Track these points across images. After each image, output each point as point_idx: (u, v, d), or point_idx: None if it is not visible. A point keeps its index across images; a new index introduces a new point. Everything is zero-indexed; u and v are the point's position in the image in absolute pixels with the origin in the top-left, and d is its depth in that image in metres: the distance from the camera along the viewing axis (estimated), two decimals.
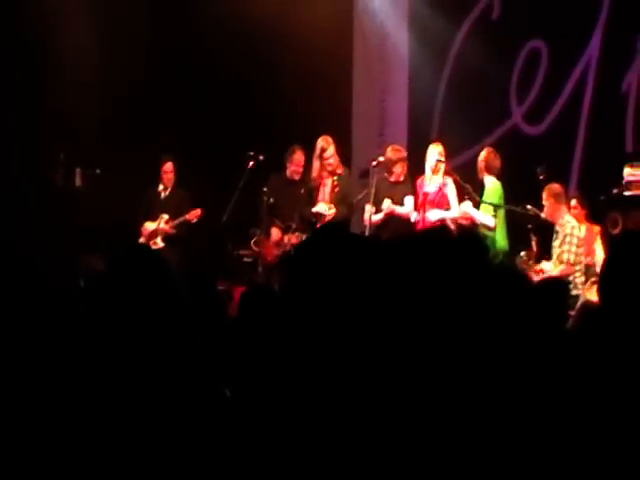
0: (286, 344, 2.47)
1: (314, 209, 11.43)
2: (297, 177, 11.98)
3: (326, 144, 11.52)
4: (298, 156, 11.99)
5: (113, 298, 3.32)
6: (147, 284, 3.32)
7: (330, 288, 2.47)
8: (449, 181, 11.30)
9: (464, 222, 11.21)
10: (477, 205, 11.29)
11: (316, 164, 11.56)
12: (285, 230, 11.53)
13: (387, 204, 11.27)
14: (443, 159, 11.37)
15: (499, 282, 2.98)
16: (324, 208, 11.40)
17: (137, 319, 3.20)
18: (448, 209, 11.25)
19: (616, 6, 13.11)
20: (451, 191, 11.25)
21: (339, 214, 11.37)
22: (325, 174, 11.52)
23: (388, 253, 2.64)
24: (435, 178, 11.27)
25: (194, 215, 12.18)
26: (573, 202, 11.60)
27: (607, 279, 3.09)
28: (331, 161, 11.52)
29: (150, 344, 3.11)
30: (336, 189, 11.48)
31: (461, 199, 11.34)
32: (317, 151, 11.58)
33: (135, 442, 2.73)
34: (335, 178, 11.49)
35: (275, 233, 11.63)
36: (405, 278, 2.58)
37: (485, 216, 11.19)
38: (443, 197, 11.19)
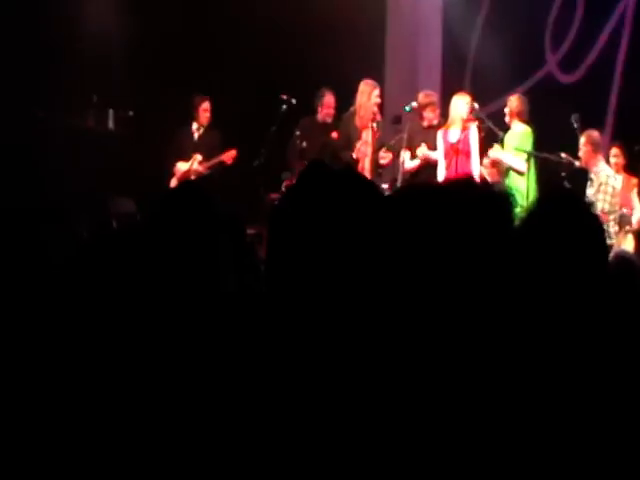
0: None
1: (356, 152, 11.26)
2: (329, 119, 11.91)
3: (375, 88, 11.42)
4: (329, 99, 11.93)
5: (152, 239, 3.28)
6: (198, 223, 3.29)
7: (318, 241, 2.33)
8: (473, 127, 11.16)
9: (489, 174, 11.16)
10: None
11: (363, 109, 11.38)
12: None
13: (422, 151, 11.20)
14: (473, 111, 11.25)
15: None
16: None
17: (178, 259, 3.16)
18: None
19: None
20: (474, 138, 11.12)
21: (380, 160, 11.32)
22: (367, 120, 11.36)
23: (392, 206, 2.47)
24: (457, 127, 11.14)
25: (229, 156, 12.04)
26: (614, 150, 11.50)
27: None
28: (376, 107, 11.43)
29: (185, 287, 3.08)
30: (377, 134, 11.40)
31: (489, 145, 11.26)
32: (364, 95, 11.41)
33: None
34: (375, 124, 11.40)
35: None
36: (410, 236, 2.41)
37: (516, 160, 11.11)
38: (466, 144, 11.09)
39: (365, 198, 2.35)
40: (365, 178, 2.48)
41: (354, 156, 11.22)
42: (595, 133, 11.23)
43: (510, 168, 11.12)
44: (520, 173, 11.10)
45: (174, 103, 12.46)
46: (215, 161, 12.10)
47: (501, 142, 11.21)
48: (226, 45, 13.66)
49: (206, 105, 12.34)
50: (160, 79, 13.03)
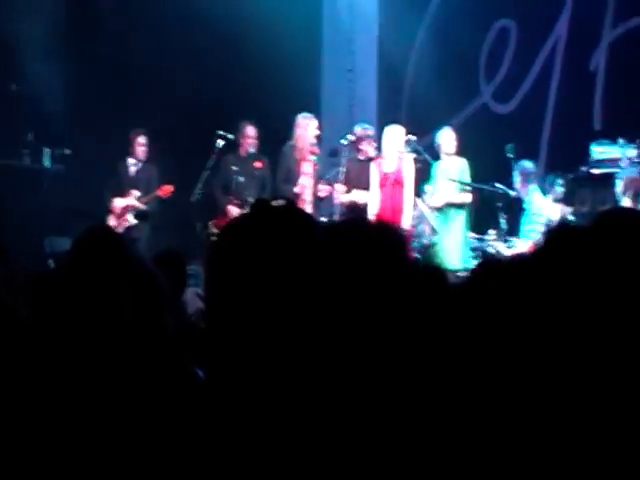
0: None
1: (298, 186, 11.29)
2: (252, 149, 11.89)
3: (312, 121, 11.47)
4: (249, 130, 11.92)
5: (77, 281, 3.29)
6: (108, 265, 3.29)
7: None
8: (407, 159, 11.21)
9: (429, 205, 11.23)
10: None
11: (302, 141, 11.42)
12: (242, 206, 11.46)
13: (348, 196, 11.27)
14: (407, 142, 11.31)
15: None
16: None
17: (100, 300, 3.17)
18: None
19: None
20: (408, 169, 11.17)
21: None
22: (306, 152, 11.40)
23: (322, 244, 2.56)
24: (393, 158, 11.18)
25: (166, 191, 12.01)
26: (560, 181, 11.61)
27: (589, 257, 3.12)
28: (315, 140, 11.47)
29: (116, 326, 3.09)
30: (316, 167, 11.44)
31: (426, 176, 11.31)
32: (302, 128, 11.45)
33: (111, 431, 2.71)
34: (314, 158, 11.44)
35: (232, 210, 11.56)
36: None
37: (461, 195, 11.19)
38: (401, 175, 11.14)
39: (305, 236, 2.38)
40: (305, 215, 2.51)
41: (295, 190, 11.25)
42: (526, 164, 11.36)
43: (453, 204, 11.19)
44: (463, 204, 11.18)
45: (111, 139, 12.43)
46: (151, 196, 12.08)
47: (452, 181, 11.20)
48: (164, 80, 13.66)
49: (142, 140, 12.30)
50: (97, 116, 12.99)
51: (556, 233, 3.12)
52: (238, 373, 2.24)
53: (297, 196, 11.24)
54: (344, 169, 11.32)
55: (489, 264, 3.39)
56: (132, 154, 12.33)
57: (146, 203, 12.11)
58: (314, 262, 2.27)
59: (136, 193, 12.11)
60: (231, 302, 2.29)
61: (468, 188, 11.18)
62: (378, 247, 2.64)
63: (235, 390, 2.23)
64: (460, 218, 11.21)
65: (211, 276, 2.36)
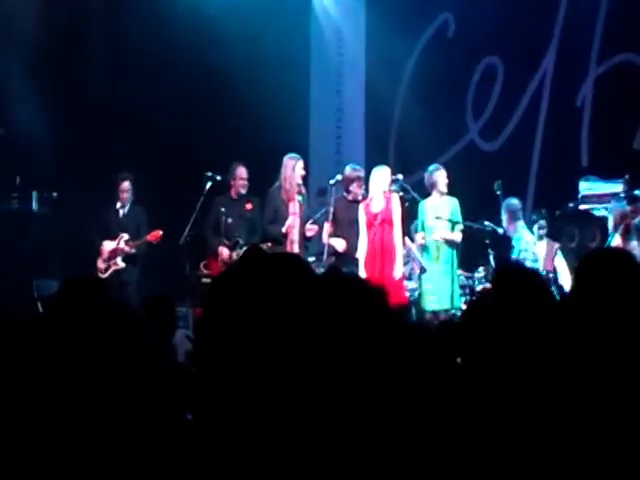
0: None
1: (286, 225, 11.30)
2: (243, 191, 11.90)
3: (299, 161, 11.49)
4: (240, 171, 11.91)
5: (60, 326, 3.30)
6: (91, 311, 3.30)
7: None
8: (394, 198, 11.22)
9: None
10: None
11: (288, 182, 11.43)
12: (232, 247, 11.46)
13: (338, 243, 11.28)
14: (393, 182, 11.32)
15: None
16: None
17: (82, 346, 3.17)
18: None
19: (569, 22, 13.24)
20: (396, 208, 11.17)
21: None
22: (293, 192, 11.42)
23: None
24: (380, 198, 11.19)
25: (155, 236, 11.99)
26: (541, 221, 11.67)
27: (577, 296, 3.15)
28: (301, 180, 11.49)
29: (99, 371, 3.09)
30: (303, 207, 11.46)
31: (406, 214, 11.28)
32: (288, 168, 11.46)
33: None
34: (300, 198, 11.46)
35: (223, 252, 11.55)
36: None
37: (455, 234, 11.19)
38: (389, 214, 11.14)
39: (298, 283, 2.41)
40: (299, 261, 2.54)
41: (283, 230, 11.25)
42: (512, 201, 11.38)
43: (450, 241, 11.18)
44: (453, 243, 11.18)
45: (99, 182, 12.44)
46: (141, 242, 12.07)
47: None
48: (153, 122, 13.69)
49: (125, 186, 12.32)
50: (84, 159, 13.02)
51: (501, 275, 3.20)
52: (225, 417, 2.24)
53: (285, 236, 11.25)
54: (332, 209, 11.32)
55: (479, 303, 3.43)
56: (118, 198, 12.35)
57: (135, 247, 12.11)
58: (305, 310, 2.29)
59: (125, 236, 12.11)
60: (222, 347, 2.31)
61: (459, 227, 11.18)
62: (360, 300, 2.68)
63: (221, 433, 2.23)
64: (449, 257, 11.19)
65: (205, 321, 2.38)
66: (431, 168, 11.38)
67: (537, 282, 3.20)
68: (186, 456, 2.30)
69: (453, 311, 10.74)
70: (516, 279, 3.16)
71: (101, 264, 12.02)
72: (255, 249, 2.45)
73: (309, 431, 2.26)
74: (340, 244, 11.25)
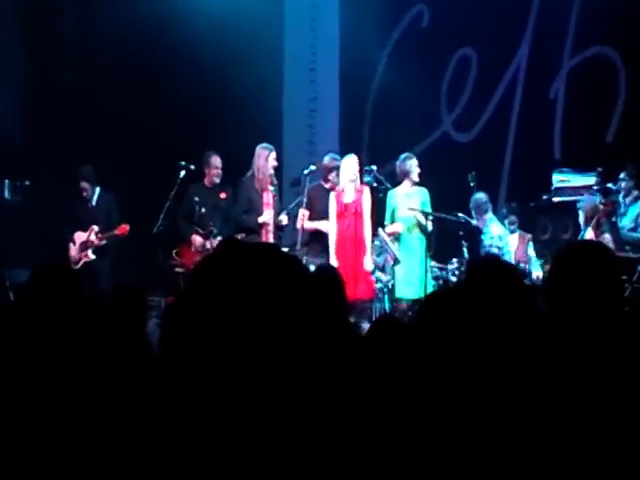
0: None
1: (262, 218, 11.29)
2: (217, 180, 11.87)
3: (271, 152, 11.47)
4: (214, 160, 11.88)
5: (30, 315, 3.30)
6: (60, 301, 3.30)
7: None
8: (366, 190, 11.23)
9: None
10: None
11: (261, 172, 11.41)
12: (206, 236, 11.44)
13: (320, 225, 11.26)
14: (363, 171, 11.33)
15: None
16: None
17: (52, 336, 3.17)
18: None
19: (543, 14, 13.29)
20: (367, 200, 11.18)
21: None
22: (266, 183, 11.41)
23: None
24: (351, 188, 11.19)
25: (122, 230, 11.93)
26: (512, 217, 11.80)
27: (552, 289, 3.16)
28: (273, 170, 11.48)
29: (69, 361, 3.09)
30: (275, 198, 11.46)
31: (374, 205, 11.27)
32: (261, 159, 11.44)
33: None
34: (273, 188, 11.46)
35: (197, 240, 11.54)
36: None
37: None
38: (360, 205, 11.15)
39: (275, 274, 2.38)
40: (286, 256, 2.52)
41: (260, 220, 11.25)
42: (477, 196, 11.38)
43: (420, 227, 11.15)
44: (425, 232, 11.17)
45: (71, 171, 12.37)
46: (109, 234, 12.00)
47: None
48: (126, 111, 13.64)
49: (83, 185, 12.17)
50: (56, 147, 12.96)
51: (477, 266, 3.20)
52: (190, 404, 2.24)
53: (261, 226, 11.24)
54: (306, 199, 11.32)
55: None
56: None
57: (104, 239, 12.05)
58: (283, 303, 2.27)
59: (95, 228, 12.04)
60: (193, 338, 2.29)
61: (430, 217, 11.19)
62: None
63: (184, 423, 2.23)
64: (421, 246, 11.19)
65: (176, 310, 2.36)
66: (403, 156, 11.36)
67: (512, 275, 3.20)
68: (155, 441, 2.29)
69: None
70: (490, 271, 3.16)
71: (74, 253, 11.97)
72: (231, 240, 2.43)
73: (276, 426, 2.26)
74: (324, 225, 11.25)
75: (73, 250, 12.02)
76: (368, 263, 11.01)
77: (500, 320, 2.88)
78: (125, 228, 11.95)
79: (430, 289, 10.92)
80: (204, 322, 2.27)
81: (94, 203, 12.28)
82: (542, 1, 13.35)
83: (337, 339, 2.77)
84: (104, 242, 12.05)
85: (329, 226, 11.18)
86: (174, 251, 11.65)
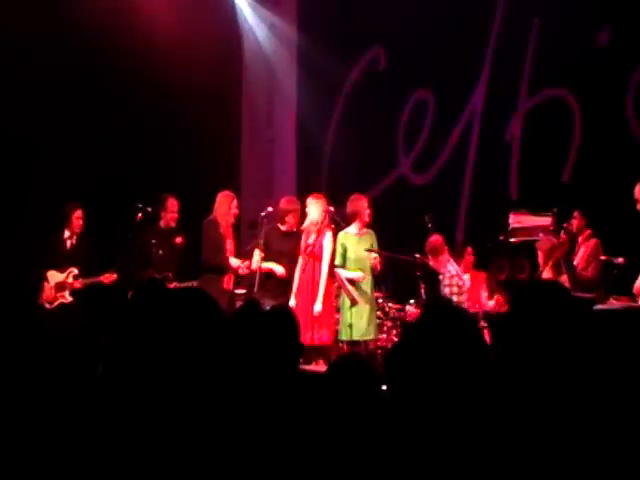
0: None
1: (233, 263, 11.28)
2: (173, 224, 11.86)
3: (233, 199, 11.50)
4: (171, 203, 11.88)
5: None
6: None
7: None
8: (327, 234, 11.19)
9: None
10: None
11: (223, 220, 11.43)
12: (162, 280, 11.38)
13: (275, 268, 11.25)
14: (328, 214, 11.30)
15: None
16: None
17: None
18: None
19: (499, 57, 13.41)
20: (327, 244, 11.15)
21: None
22: (227, 230, 11.43)
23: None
24: (313, 230, 11.17)
25: (109, 278, 11.76)
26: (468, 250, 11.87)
27: (510, 329, 3.17)
28: (233, 218, 11.50)
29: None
30: (234, 244, 11.48)
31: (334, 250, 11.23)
32: (223, 207, 11.45)
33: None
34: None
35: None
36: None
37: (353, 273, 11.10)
38: (320, 248, 11.13)
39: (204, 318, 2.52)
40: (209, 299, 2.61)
41: (234, 265, 11.25)
42: (432, 238, 11.31)
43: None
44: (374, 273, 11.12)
45: (41, 210, 12.27)
46: (93, 280, 11.81)
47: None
48: (85, 151, 13.55)
49: (79, 213, 12.11)
50: (26, 186, 12.88)
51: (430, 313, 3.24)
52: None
53: (224, 270, 11.24)
54: (262, 240, 11.31)
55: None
56: (68, 226, 12.07)
57: (83, 285, 11.87)
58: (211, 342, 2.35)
59: (74, 271, 11.88)
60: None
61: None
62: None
63: None
64: (370, 286, 11.12)
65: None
66: (353, 197, 11.29)
67: (465, 320, 3.21)
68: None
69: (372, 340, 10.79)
70: (444, 317, 3.19)
71: (47, 293, 11.75)
72: (151, 284, 2.55)
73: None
74: (279, 269, 11.22)
75: (47, 289, 11.80)
76: (317, 307, 10.94)
77: (451, 366, 2.88)
78: (112, 277, 11.75)
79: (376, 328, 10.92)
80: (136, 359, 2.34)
81: (74, 242, 12.11)
82: (498, 44, 13.46)
83: (280, 380, 2.95)
84: (80, 287, 11.87)
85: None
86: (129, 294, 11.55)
